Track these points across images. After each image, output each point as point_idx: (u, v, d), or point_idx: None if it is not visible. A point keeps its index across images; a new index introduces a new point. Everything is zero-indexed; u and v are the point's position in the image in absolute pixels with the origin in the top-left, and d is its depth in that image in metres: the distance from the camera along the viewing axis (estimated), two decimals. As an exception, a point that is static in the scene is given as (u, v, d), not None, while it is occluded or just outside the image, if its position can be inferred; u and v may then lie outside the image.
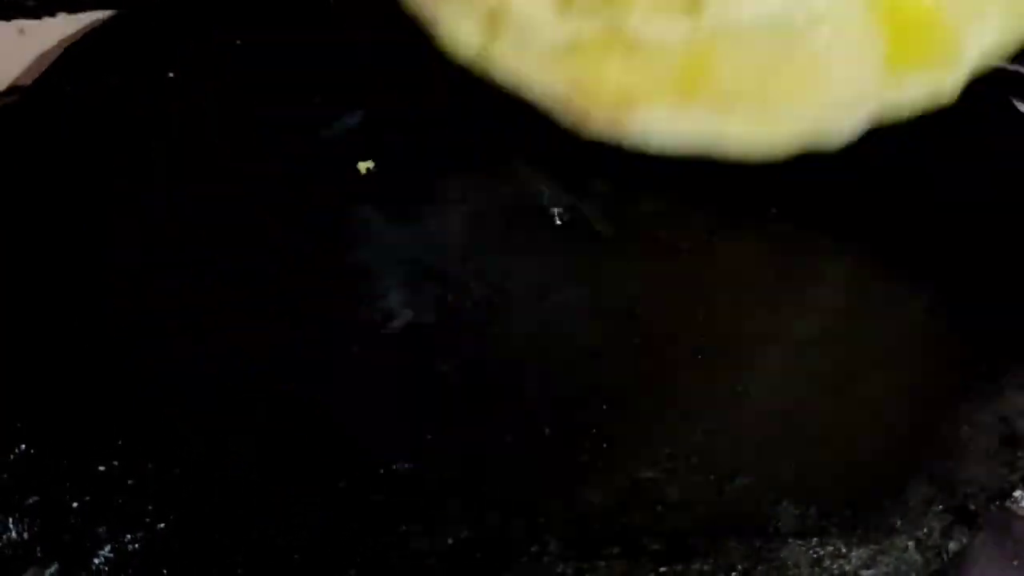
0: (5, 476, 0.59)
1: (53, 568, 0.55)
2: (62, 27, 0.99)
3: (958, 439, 0.61)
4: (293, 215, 0.75)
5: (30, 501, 0.57)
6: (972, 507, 0.58)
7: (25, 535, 0.57)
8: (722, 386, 0.65)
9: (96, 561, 0.55)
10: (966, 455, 0.61)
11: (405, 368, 0.65)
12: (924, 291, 0.70)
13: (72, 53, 0.87)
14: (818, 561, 0.56)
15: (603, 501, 0.59)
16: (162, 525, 0.57)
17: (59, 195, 0.75)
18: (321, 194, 0.76)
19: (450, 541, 0.56)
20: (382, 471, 0.59)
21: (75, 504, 0.57)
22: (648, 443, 0.61)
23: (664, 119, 0.72)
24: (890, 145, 0.78)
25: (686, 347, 0.66)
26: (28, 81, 0.96)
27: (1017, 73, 1.01)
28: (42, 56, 0.98)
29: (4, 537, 0.56)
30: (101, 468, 0.59)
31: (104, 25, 0.91)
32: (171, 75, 0.84)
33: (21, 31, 1.00)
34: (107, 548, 0.56)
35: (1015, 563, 0.65)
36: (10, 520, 0.57)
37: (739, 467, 0.60)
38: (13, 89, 0.99)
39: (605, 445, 0.61)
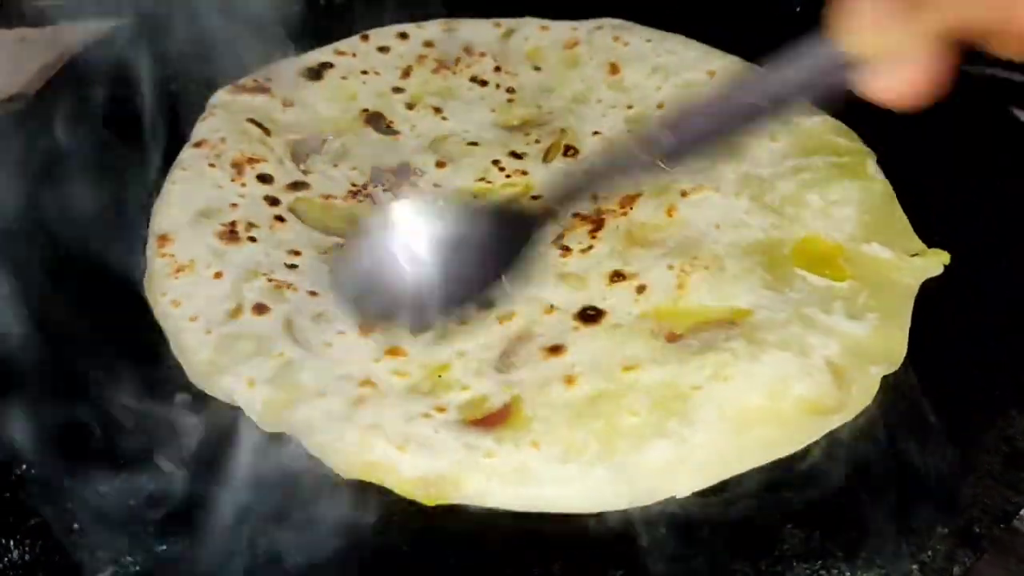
0: (7, 496, 0.59)
1: (55, 590, 0.55)
2: (63, 36, 0.99)
3: (962, 461, 0.61)
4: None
5: (32, 523, 0.57)
6: (977, 530, 0.57)
7: (27, 556, 0.56)
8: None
9: (97, 582, 0.55)
10: (970, 477, 0.60)
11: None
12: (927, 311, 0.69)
13: (75, 63, 0.86)
14: (823, 584, 0.56)
15: (608, 524, 0.58)
16: (163, 548, 0.57)
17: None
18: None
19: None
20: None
21: (76, 526, 0.57)
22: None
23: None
24: (890, 153, 0.78)
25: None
26: (30, 89, 0.95)
27: (1015, 82, 1.00)
28: (45, 66, 0.98)
29: (5, 559, 0.56)
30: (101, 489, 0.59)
31: (106, 35, 0.90)
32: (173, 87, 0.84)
33: (23, 39, 1.00)
34: (108, 571, 0.56)
35: (1019, 582, 0.65)
36: (11, 542, 0.57)
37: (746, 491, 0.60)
38: (16, 96, 0.98)
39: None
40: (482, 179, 0.78)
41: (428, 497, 0.58)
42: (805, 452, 0.61)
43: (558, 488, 0.58)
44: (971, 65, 0.89)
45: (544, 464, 0.59)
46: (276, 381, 0.63)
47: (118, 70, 0.84)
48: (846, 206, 0.74)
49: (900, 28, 0.50)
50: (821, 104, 0.80)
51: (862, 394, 0.63)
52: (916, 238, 0.72)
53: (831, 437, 0.62)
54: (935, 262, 0.70)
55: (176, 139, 0.80)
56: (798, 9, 0.92)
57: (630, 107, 0.84)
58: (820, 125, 0.80)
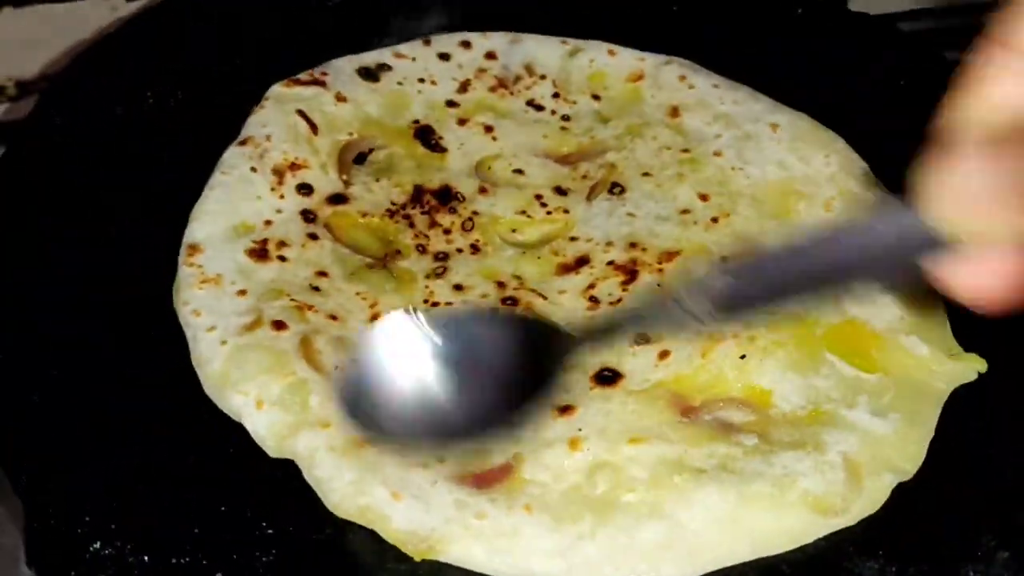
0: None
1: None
2: (89, 15, 0.98)
3: (1017, 489, 0.61)
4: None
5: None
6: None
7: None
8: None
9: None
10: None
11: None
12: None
13: (108, 42, 0.85)
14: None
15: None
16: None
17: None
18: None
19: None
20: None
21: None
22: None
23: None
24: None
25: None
26: (57, 68, 0.94)
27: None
28: (73, 46, 0.96)
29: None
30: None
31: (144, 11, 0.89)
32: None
33: (42, 18, 0.98)
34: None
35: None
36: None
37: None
38: (35, 81, 0.97)
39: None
40: (523, 212, 0.77)
41: (416, 551, 0.58)
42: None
43: (544, 561, 0.57)
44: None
45: (533, 532, 0.58)
46: (284, 402, 0.63)
47: (158, 51, 0.84)
48: (889, 294, 0.70)
49: (1007, 213, 0.40)
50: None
51: (870, 501, 0.61)
52: (953, 339, 0.69)
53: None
54: (970, 368, 0.67)
55: (223, 129, 0.79)
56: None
57: (686, 150, 0.81)
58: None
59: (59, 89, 0.82)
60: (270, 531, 0.59)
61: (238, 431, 0.63)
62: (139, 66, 0.83)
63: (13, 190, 0.74)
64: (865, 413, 0.64)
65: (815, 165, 0.79)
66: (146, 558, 0.57)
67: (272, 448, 0.62)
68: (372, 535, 0.58)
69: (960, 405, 0.66)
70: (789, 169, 0.79)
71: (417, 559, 0.57)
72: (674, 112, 0.84)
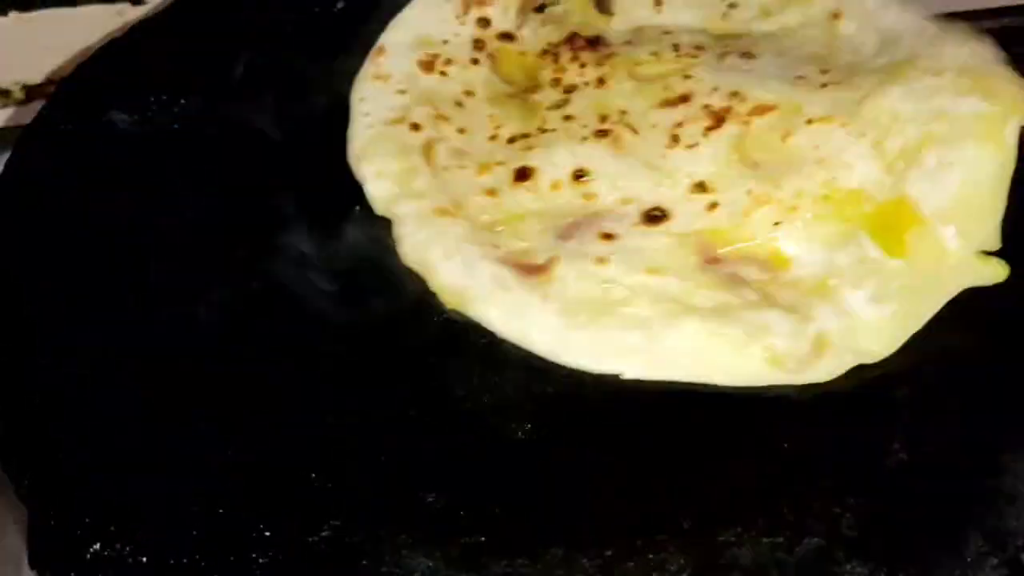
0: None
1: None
2: (95, 20, 0.98)
3: (1004, 492, 0.61)
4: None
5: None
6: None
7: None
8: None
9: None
10: (1013, 507, 0.60)
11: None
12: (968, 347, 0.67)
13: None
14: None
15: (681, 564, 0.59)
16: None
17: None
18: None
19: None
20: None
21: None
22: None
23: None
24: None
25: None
26: (63, 72, 0.93)
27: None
28: (83, 49, 0.94)
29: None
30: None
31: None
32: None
33: (60, 20, 0.99)
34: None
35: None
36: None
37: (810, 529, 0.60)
38: (46, 83, 1.01)
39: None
40: (655, 53, 0.85)
41: (451, 302, 0.72)
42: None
43: (541, 334, 0.69)
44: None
45: (541, 311, 0.70)
46: (397, 178, 0.78)
47: (165, 56, 0.85)
48: (954, 171, 0.73)
49: None
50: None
51: (824, 371, 0.67)
52: (997, 236, 0.72)
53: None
54: (989, 272, 0.69)
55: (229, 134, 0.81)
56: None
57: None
58: (996, 73, 0.77)
59: (65, 94, 0.83)
60: (267, 533, 0.60)
61: (237, 430, 0.64)
62: (145, 71, 0.84)
63: (19, 193, 0.76)
64: (864, 297, 0.70)
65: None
66: (144, 559, 0.58)
67: (379, 209, 0.78)
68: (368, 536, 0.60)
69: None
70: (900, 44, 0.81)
71: (448, 308, 0.71)
72: (835, 15, 0.88)
